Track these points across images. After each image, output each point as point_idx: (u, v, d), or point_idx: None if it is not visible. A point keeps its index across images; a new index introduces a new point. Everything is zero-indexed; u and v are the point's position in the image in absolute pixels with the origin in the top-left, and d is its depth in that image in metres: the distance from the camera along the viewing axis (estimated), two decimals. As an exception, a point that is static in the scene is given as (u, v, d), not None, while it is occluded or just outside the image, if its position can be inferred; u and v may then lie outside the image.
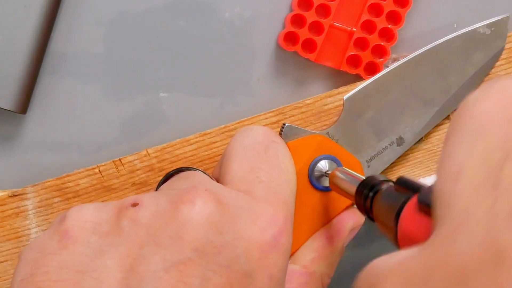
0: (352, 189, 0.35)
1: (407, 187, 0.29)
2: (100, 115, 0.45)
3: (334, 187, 0.38)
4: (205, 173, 0.37)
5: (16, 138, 0.45)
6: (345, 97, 0.43)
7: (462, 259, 0.21)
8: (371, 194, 0.33)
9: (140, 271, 0.29)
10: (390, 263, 0.25)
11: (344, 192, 0.37)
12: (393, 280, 0.25)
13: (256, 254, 0.31)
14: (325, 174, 0.40)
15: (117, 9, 0.45)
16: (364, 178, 0.35)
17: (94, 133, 0.46)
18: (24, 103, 0.43)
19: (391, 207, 0.29)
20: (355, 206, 0.43)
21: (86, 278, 0.29)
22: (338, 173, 0.38)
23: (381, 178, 0.34)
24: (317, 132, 0.42)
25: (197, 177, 0.36)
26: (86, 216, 0.31)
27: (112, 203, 0.32)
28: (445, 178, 0.23)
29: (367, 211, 0.34)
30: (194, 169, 0.38)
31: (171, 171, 0.38)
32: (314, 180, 0.40)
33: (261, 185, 0.34)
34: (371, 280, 0.26)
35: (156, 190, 0.38)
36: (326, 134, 0.42)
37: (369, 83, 0.43)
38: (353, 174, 0.37)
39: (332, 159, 0.40)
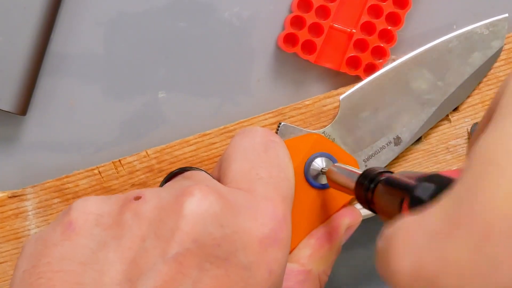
0: (351, 183, 0.35)
1: (409, 176, 0.30)
2: (100, 116, 0.46)
3: (332, 183, 0.39)
4: (208, 173, 0.37)
5: (16, 139, 0.45)
6: (341, 97, 0.43)
7: (486, 216, 0.21)
8: (372, 185, 0.33)
9: (141, 264, 0.29)
10: (410, 218, 0.25)
11: (342, 187, 0.37)
12: (413, 230, 0.25)
13: (255, 248, 0.31)
14: (321, 172, 0.40)
15: (116, 10, 0.45)
16: (364, 170, 0.35)
17: (93, 134, 0.46)
18: (24, 104, 0.43)
19: (394, 197, 0.29)
20: (355, 204, 0.43)
21: (88, 270, 0.29)
22: (335, 169, 0.38)
23: (380, 169, 0.34)
24: (313, 131, 0.42)
25: (199, 177, 0.36)
26: (90, 208, 0.32)
27: (116, 196, 0.33)
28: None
29: (368, 202, 0.34)
30: (197, 169, 0.38)
31: (175, 170, 0.38)
32: (310, 178, 0.40)
33: (261, 181, 0.35)
34: (390, 234, 0.26)
35: None
36: (323, 133, 0.42)
37: (366, 83, 0.43)
38: (350, 168, 0.37)
39: (327, 156, 0.41)
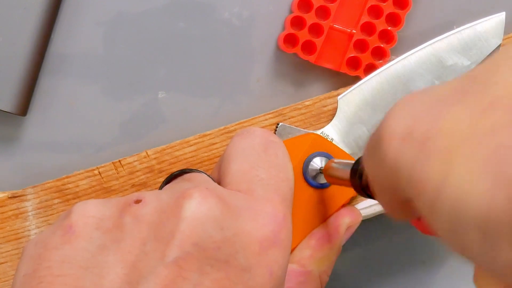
0: (346, 173, 0.35)
1: None
2: (100, 116, 0.46)
3: (329, 178, 0.39)
4: (208, 175, 0.37)
5: (16, 140, 0.45)
6: (339, 97, 0.43)
7: (497, 90, 0.22)
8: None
9: (141, 267, 0.29)
10: (418, 90, 0.26)
11: (339, 180, 0.37)
12: (418, 96, 0.26)
13: (255, 249, 0.31)
14: (319, 171, 0.40)
15: (116, 10, 0.45)
16: (357, 158, 0.35)
17: (93, 134, 0.46)
18: (24, 105, 0.43)
19: None
20: (355, 204, 0.43)
21: (88, 273, 0.29)
22: (331, 164, 0.38)
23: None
24: (312, 131, 0.42)
25: (199, 179, 0.36)
26: (90, 212, 0.31)
27: (116, 200, 0.33)
28: None
29: (364, 189, 0.34)
30: (197, 171, 0.38)
31: (175, 172, 0.38)
32: (309, 177, 0.40)
33: (260, 182, 0.34)
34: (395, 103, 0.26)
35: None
36: (321, 133, 0.42)
37: (364, 82, 0.43)
38: (346, 162, 0.37)
39: (326, 155, 0.41)
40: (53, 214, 0.43)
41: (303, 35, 0.45)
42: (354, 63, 0.46)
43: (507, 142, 0.20)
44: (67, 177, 0.43)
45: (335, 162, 0.38)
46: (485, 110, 0.22)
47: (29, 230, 0.43)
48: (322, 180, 0.40)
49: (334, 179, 0.38)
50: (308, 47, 0.45)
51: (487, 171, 0.20)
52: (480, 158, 0.21)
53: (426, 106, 0.25)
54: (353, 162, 0.36)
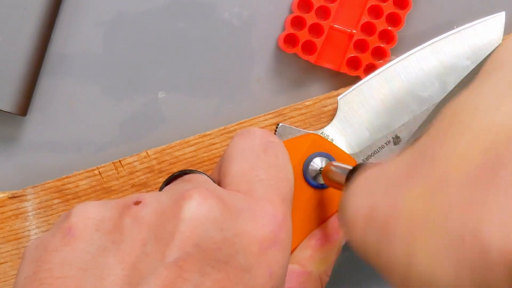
0: (344, 179, 0.35)
1: None
2: (100, 116, 0.46)
3: (327, 181, 0.39)
4: (208, 176, 0.37)
5: (16, 140, 0.45)
6: (339, 97, 0.43)
7: (444, 167, 0.23)
8: None
9: (141, 268, 0.29)
10: (371, 168, 0.28)
11: (336, 184, 0.37)
12: (373, 177, 0.27)
13: (255, 249, 0.31)
14: (319, 171, 0.40)
15: (116, 10, 0.45)
16: (355, 165, 0.35)
17: (93, 134, 0.46)
18: (24, 105, 0.43)
19: None
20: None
21: (88, 275, 0.29)
22: (330, 167, 0.38)
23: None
24: (312, 131, 0.42)
25: (199, 179, 0.36)
26: (90, 213, 0.31)
27: (116, 201, 0.33)
28: None
29: None
30: (197, 171, 0.38)
31: (175, 173, 0.38)
32: (309, 177, 0.40)
33: (260, 183, 0.34)
34: (353, 181, 0.28)
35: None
36: (321, 133, 0.42)
37: (364, 82, 0.43)
38: (343, 166, 0.37)
39: (326, 156, 0.41)
40: (53, 214, 0.43)
41: (303, 35, 0.45)
42: (354, 63, 0.46)
43: (460, 227, 0.21)
44: (67, 177, 0.43)
45: (333, 166, 0.38)
46: (435, 191, 0.23)
47: (29, 230, 0.43)
48: (322, 180, 0.40)
49: (331, 183, 0.38)
50: (308, 47, 0.45)
51: (448, 257, 0.21)
52: (439, 243, 0.22)
53: (382, 187, 0.26)
54: (350, 168, 0.36)
